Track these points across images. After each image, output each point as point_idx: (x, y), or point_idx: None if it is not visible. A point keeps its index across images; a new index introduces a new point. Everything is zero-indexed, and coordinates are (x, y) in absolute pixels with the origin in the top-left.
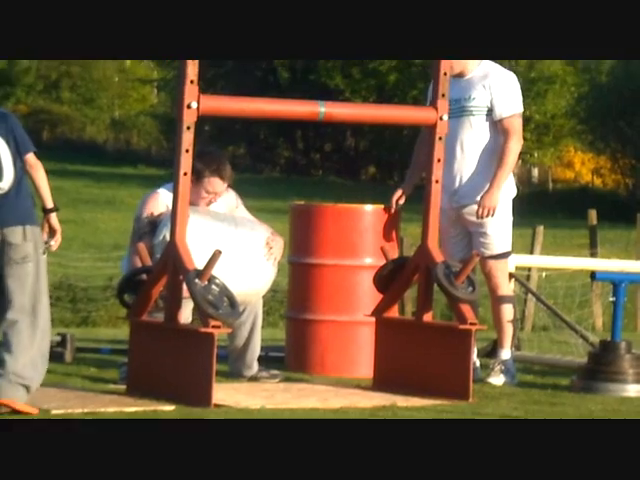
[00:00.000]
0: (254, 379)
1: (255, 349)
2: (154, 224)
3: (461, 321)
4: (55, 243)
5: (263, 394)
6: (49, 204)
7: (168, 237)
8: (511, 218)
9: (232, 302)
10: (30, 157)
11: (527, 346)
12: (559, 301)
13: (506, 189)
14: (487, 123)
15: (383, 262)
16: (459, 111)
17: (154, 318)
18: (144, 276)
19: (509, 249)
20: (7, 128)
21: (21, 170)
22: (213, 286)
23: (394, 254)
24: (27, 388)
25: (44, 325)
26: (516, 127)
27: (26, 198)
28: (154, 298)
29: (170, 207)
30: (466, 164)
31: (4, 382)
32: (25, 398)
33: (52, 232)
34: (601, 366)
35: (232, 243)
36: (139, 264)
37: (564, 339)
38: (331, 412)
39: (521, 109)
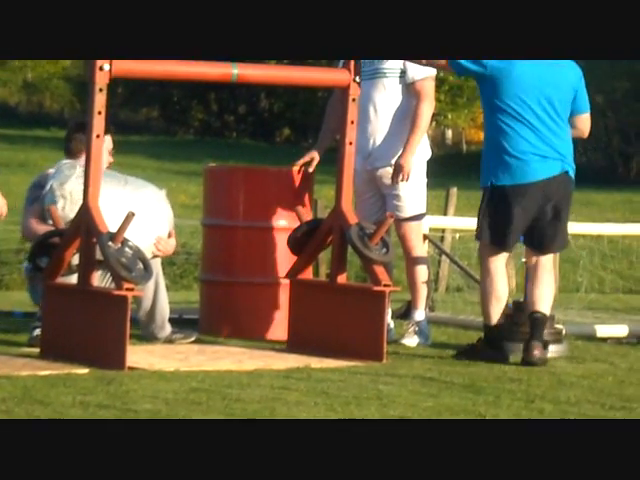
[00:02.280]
0: (169, 341)
1: (163, 308)
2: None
3: (375, 283)
4: None
5: (177, 356)
6: None
7: (55, 186)
8: (425, 180)
9: (145, 264)
10: None
11: (441, 307)
12: (473, 262)
13: (420, 151)
14: (400, 85)
15: (297, 224)
16: (372, 73)
17: (67, 281)
18: (57, 239)
19: (423, 211)
20: None
21: None
22: (126, 248)
23: (308, 216)
24: None
25: None
26: (428, 90)
27: None
28: (67, 261)
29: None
30: (380, 126)
31: None
32: None
33: None
34: (514, 326)
35: (126, 202)
36: (36, 227)
37: (477, 300)
38: (245, 374)
39: (434, 72)
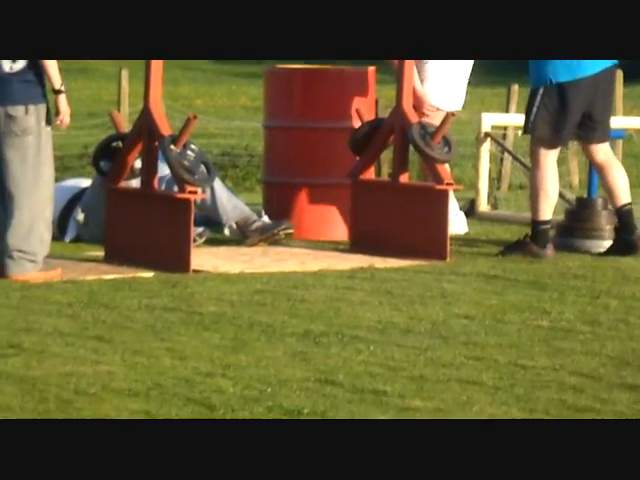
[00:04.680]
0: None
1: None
2: None
3: (437, 181)
4: (60, 122)
5: (241, 258)
6: (57, 85)
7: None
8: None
9: (208, 167)
10: None
11: (504, 205)
12: None
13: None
14: None
15: (358, 124)
16: None
17: (130, 185)
18: (119, 143)
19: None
20: None
21: None
22: (189, 152)
23: (369, 116)
24: (33, 262)
25: (46, 196)
26: None
27: (35, 80)
28: (130, 165)
29: None
30: None
31: (9, 261)
32: (34, 270)
33: (58, 112)
34: (578, 223)
35: None
36: None
37: None
38: (309, 275)
39: None
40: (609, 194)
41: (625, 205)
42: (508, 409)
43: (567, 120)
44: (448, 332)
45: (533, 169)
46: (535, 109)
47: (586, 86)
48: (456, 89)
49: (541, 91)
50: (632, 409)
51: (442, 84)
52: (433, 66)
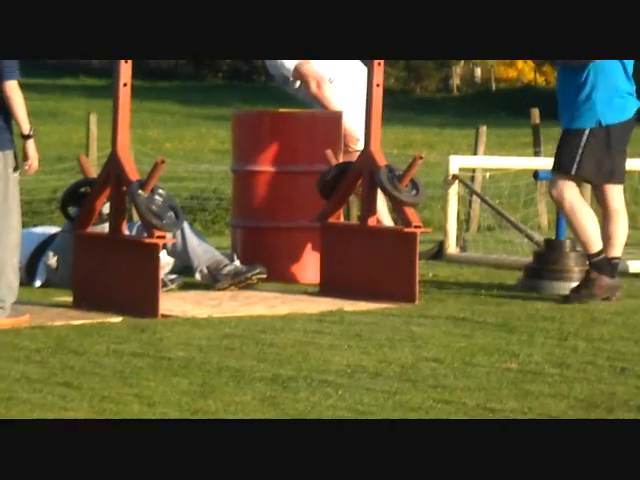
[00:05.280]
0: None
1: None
2: None
3: (406, 224)
4: (29, 168)
5: (210, 302)
6: (25, 131)
7: None
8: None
9: (176, 212)
10: (9, 84)
11: (473, 247)
12: (504, 201)
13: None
14: None
15: (327, 168)
16: None
17: (98, 230)
18: (87, 188)
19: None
20: None
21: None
22: (157, 196)
23: (337, 160)
24: (1, 309)
25: (13, 242)
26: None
27: (3, 125)
28: (98, 210)
29: None
30: None
31: None
32: (2, 316)
33: (26, 157)
34: (546, 264)
35: None
36: None
37: (509, 239)
38: (279, 318)
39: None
40: (606, 241)
41: (617, 258)
42: None
43: (614, 161)
44: (417, 375)
45: (571, 212)
46: (581, 150)
47: (629, 127)
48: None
49: (587, 132)
50: None
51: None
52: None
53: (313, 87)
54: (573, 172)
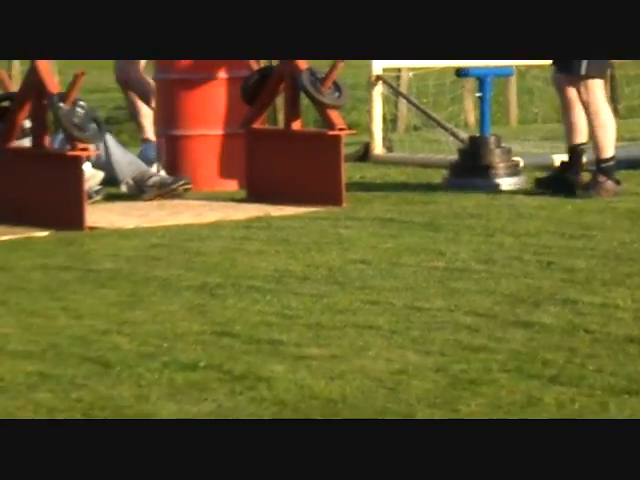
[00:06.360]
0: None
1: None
2: None
3: (330, 127)
4: None
5: (137, 213)
6: None
7: None
8: None
9: (99, 124)
10: None
11: (399, 147)
12: (430, 100)
13: None
14: None
15: (249, 73)
16: None
17: (21, 145)
18: (7, 103)
19: None
20: None
21: None
22: (78, 109)
23: (259, 64)
24: None
25: None
26: None
27: None
28: (20, 124)
29: None
30: None
31: None
32: None
33: None
34: (471, 161)
35: None
36: None
37: (436, 138)
38: (205, 226)
39: None
40: (570, 130)
41: (583, 144)
42: (404, 352)
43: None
44: (344, 278)
45: (597, 111)
46: None
47: None
48: None
49: None
50: (527, 347)
51: None
52: None
53: None
54: (574, 72)
